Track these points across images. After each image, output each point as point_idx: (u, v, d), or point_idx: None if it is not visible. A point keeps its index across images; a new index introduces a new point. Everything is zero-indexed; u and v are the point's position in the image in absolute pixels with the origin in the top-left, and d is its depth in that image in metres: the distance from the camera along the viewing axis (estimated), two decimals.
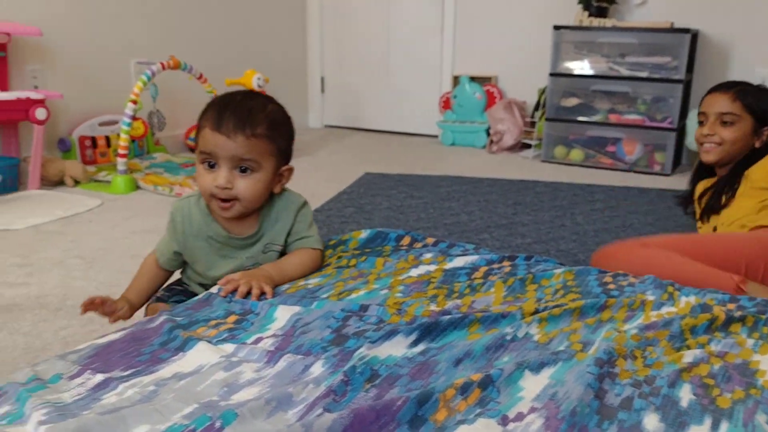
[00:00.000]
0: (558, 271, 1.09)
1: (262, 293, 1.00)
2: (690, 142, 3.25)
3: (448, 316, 0.89)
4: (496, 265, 1.14)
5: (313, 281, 1.08)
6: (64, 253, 2.15)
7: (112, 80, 3.43)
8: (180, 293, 1.37)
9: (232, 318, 0.94)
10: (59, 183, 3.01)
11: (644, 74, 3.32)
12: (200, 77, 3.31)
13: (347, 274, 1.10)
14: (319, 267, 1.17)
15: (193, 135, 3.75)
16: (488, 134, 4.03)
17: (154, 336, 0.87)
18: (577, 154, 3.56)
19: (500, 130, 3.88)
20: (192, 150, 3.81)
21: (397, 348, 0.83)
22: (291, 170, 1.23)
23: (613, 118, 3.45)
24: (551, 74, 3.55)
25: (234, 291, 1.01)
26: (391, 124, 4.57)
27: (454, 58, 4.25)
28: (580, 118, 3.54)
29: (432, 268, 1.12)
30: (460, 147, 4.09)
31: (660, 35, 3.29)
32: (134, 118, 2.97)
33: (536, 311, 0.94)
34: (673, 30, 3.25)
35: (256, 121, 1.20)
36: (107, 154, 3.35)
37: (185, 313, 0.96)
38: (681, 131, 3.38)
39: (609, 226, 2.45)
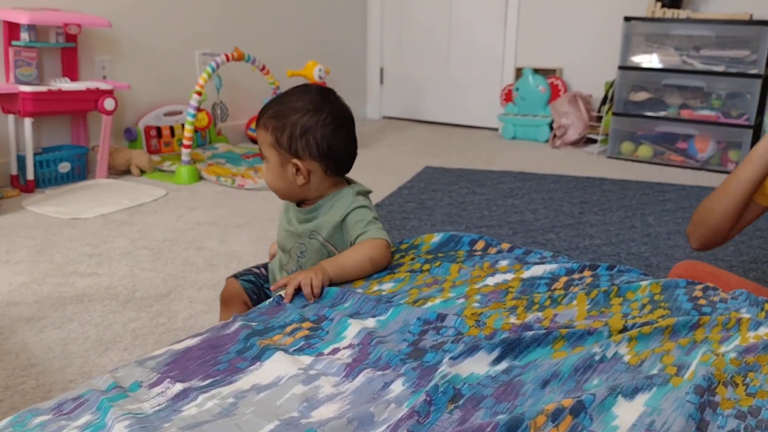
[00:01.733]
0: (644, 283, 1.03)
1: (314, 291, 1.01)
2: None
3: (531, 332, 0.85)
4: (576, 275, 1.09)
5: (387, 286, 1.05)
6: (131, 244, 2.18)
7: (177, 71, 3.47)
8: (252, 273, 1.37)
9: (307, 324, 0.92)
10: (125, 172, 3.07)
11: (720, 68, 3.18)
12: (263, 69, 3.32)
13: (421, 280, 1.07)
14: (386, 259, 1.12)
15: (253, 126, 3.77)
16: (551, 128, 3.94)
17: (230, 343, 0.86)
18: (645, 150, 3.44)
19: (564, 124, 3.78)
20: (253, 141, 3.83)
21: (479, 365, 0.80)
22: (297, 166, 1.19)
23: (685, 113, 3.32)
24: (620, 67, 3.43)
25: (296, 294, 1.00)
26: (450, 117, 4.51)
27: (516, 50, 4.16)
28: (650, 114, 3.41)
29: (509, 276, 1.08)
30: (521, 141, 4.01)
31: (738, 27, 3.14)
32: (198, 109, 2.99)
33: (624, 328, 0.89)
34: (752, 22, 3.10)
35: (264, 112, 1.23)
36: (171, 144, 3.40)
37: (260, 319, 0.94)
38: (757, 129, 3.23)
39: (681, 228, 2.35)
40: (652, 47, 3.38)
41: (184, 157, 2.96)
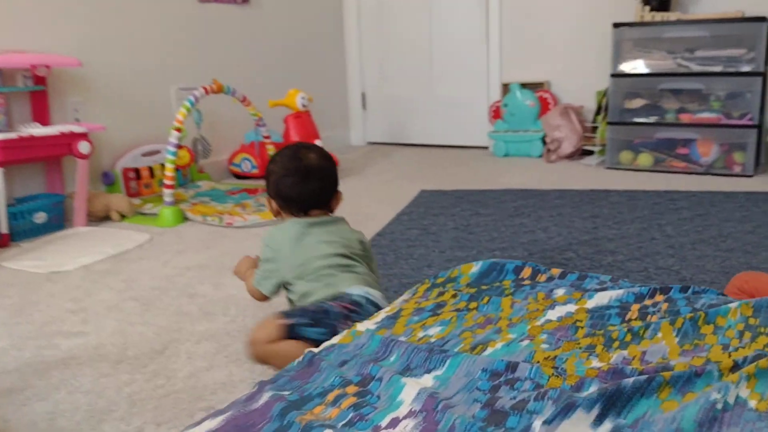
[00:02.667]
0: (732, 305, 0.89)
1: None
2: None
3: (630, 380, 0.70)
4: (648, 301, 0.94)
5: (434, 331, 0.90)
6: (118, 295, 2.00)
7: (153, 108, 3.31)
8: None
9: (352, 389, 0.76)
10: (105, 218, 2.89)
11: (717, 68, 3.09)
12: (243, 100, 3.17)
13: (471, 321, 0.92)
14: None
15: (237, 161, 3.61)
16: (544, 143, 3.82)
17: (262, 421, 0.69)
18: (645, 158, 3.34)
19: (558, 138, 3.67)
20: (236, 176, 3.66)
21: (579, 428, 0.65)
22: (270, 202, 1.61)
23: (684, 118, 3.22)
24: (612, 75, 3.34)
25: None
26: (437, 138, 4.39)
27: (501, 65, 4.06)
28: (647, 120, 3.31)
29: (571, 308, 0.93)
30: (514, 158, 3.89)
31: (732, 26, 3.07)
32: (179, 146, 2.83)
33: (736, 365, 0.74)
34: (746, 19, 3.03)
35: None
36: (151, 185, 3.22)
37: (292, 386, 0.78)
38: (761, 128, 3.13)
39: (704, 236, 2.23)
40: (643, 52, 3.29)
41: (167, 198, 2.79)
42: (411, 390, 0.73)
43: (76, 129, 2.70)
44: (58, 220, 2.76)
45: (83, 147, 2.71)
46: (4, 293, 2.05)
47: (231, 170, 3.67)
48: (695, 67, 3.14)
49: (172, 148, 2.76)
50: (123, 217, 2.89)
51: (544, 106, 3.86)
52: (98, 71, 3.03)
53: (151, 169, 3.22)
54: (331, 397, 0.74)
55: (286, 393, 0.75)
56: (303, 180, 1.52)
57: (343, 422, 0.70)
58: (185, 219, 2.83)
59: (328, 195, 1.56)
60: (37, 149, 2.60)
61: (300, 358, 0.86)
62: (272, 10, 3.95)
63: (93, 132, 2.80)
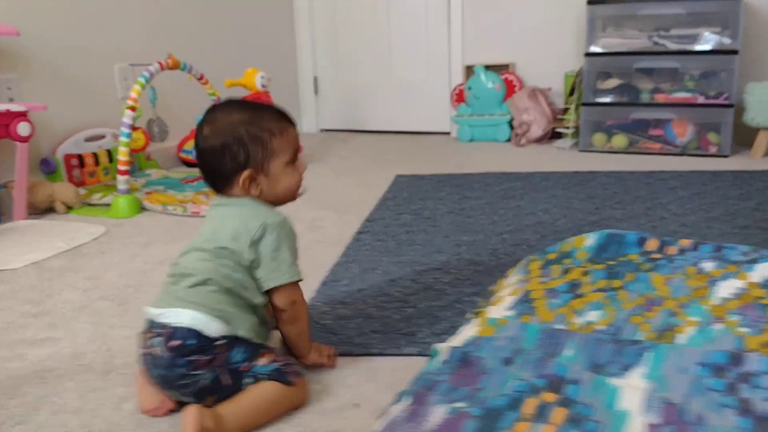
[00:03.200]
0: None
1: None
2: (751, 118, 2.98)
3: None
4: None
5: (594, 316, 0.72)
6: (84, 295, 1.71)
7: (96, 89, 2.97)
8: None
9: (549, 396, 0.56)
10: (48, 210, 2.55)
11: (693, 47, 3.04)
12: (201, 78, 2.88)
13: (630, 303, 0.74)
14: None
15: (188, 147, 3.30)
16: (511, 126, 3.70)
17: None
18: (619, 140, 3.26)
19: (526, 121, 3.56)
20: (187, 164, 3.36)
21: None
22: None
23: (659, 98, 3.16)
24: (586, 54, 3.25)
25: None
26: (396, 124, 4.20)
27: (464, 47, 3.91)
28: (622, 100, 3.23)
29: (738, 283, 0.77)
30: (480, 143, 3.75)
31: (708, 3, 3.03)
32: (133, 127, 2.52)
33: None
34: None
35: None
36: (96, 173, 2.89)
37: (461, 394, 0.58)
38: (736, 107, 3.10)
39: (713, 215, 2.14)
40: (617, 31, 3.21)
41: (121, 186, 2.48)
42: (632, 396, 0.55)
43: (14, 107, 2.35)
44: None
45: (23, 128, 2.37)
46: None
47: (181, 158, 3.36)
48: (672, 46, 3.08)
49: (126, 130, 2.45)
50: (69, 208, 2.55)
51: (509, 89, 3.73)
52: (34, 45, 2.68)
53: (95, 156, 2.88)
54: (529, 409, 0.55)
55: (464, 406, 0.55)
56: (199, 153, 1.22)
57: None
58: (142, 209, 2.53)
59: (225, 174, 1.19)
60: None
61: (446, 356, 0.65)
62: None
63: (33, 112, 2.46)
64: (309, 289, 1.64)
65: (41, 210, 2.52)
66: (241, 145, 1.18)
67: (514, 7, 3.75)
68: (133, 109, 2.47)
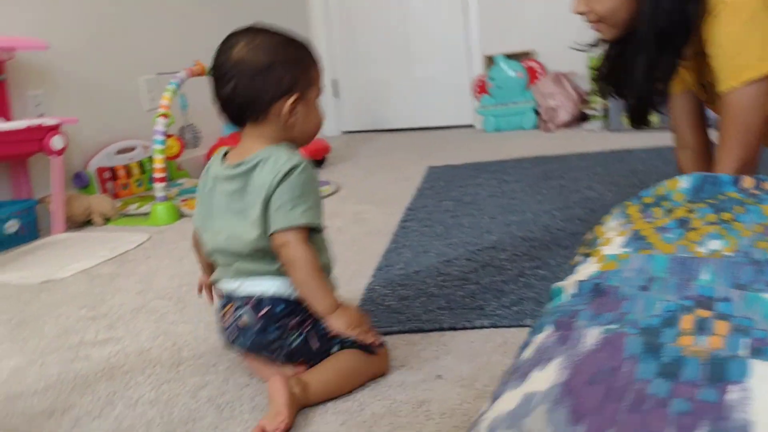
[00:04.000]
0: None
1: None
2: None
3: None
4: None
5: (716, 245, 0.68)
6: (139, 297, 1.69)
7: (122, 101, 2.97)
8: None
9: (703, 313, 0.53)
10: (85, 223, 2.54)
11: None
12: None
13: (748, 232, 0.71)
14: None
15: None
16: (536, 113, 3.67)
17: (621, 361, 0.46)
18: (651, 117, 3.20)
19: (552, 106, 3.52)
20: None
21: None
22: None
23: None
24: None
25: None
26: (417, 121, 4.17)
27: (482, 37, 3.89)
28: None
29: None
30: (506, 132, 3.72)
31: None
32: (167, 135, 2.51)
33: None
34: None
35: None
36: (129, 185, 2.88)
37: (606, 318, 0.55)
38: None
39: None
40: None
41: (159, 193, 2.47)
42: None
43: (47, 122, 2.35)
44: (31, 229, 2.40)
45: (56, 142, 2.37)
46: None
47: None
48: None
49: (160, 137, 2.45)
50: (107, 220, 2.55)
51: (532, 76, 3.70)
52: (61, 60, 2.68)
53: (127, 168, 2.87)
54: (687, 324, 0.52)
55: (617, 327, 0.52)
56: (219, 81, 1.10)
57: (746, 350, 0.47)
58: (180, 215, 2.52)
59: (260, 102, 1.07)
60: (3, 146, 2.24)
61: (574, 290, 0.62)
62: None
63: (65, 126, 2.45)
64: (365, 275, 1.61)
65: (79, 223, 2.51)
66: (289, 66, 1.08)
67: None
68: (165, 116, 2.46)
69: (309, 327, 1.10)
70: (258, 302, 1.09)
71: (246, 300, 1.11)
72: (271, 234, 1.06)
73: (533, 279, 1.47)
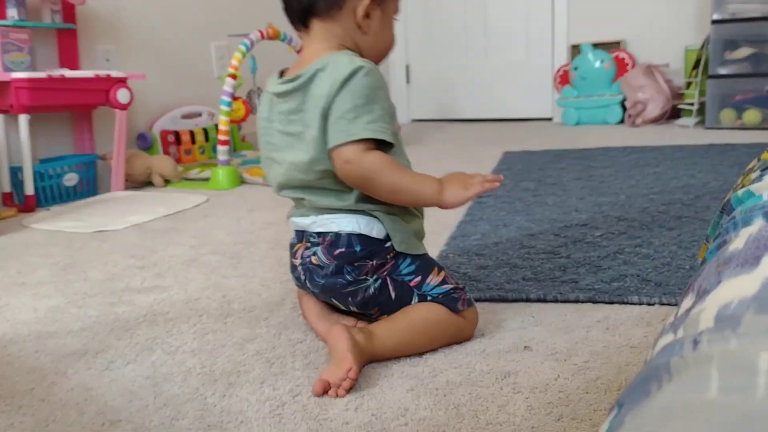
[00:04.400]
0: None
1: None
2: None
3: None
4: None
5: None
6: (192, 251, 1.57)
7: (193, 66, 2.89)
8: None
9: None
10: (145, 183, 2.46)
11: None
12: (299, 51, 2.74)
13: None
14: None
15: None
16: (623, 108, 3.43)
17: None
18: (752, 115, 2.94)
19: (641, 100, 3.28)
20: None
21: None
22: None
23: None
24: (714, 21, 2.95)
25: None
26: (491, 111, 3.98)
27: (569, 26, 3.67)
28: (755, 72, 2.92)
29: None
30: (588, 126, 3.48)
31: None
32: (234, 97, 2.41)
33: None
34: None
35: None
36: (192, 151, 2.79)
37: None
38: None
39: None
40: None
41: (222, 156, 2.36)
42: None
43: (115, 73, 2.27)
44: (90, 184, 2.33)
45: (122, 95, 2.29)
46: (43, 253, 1.62)
47: None
48: None
49: (227, 98, 2.34)
50: (167, 182, 2.46)
51: (620, 68, 3.47)
52: (135, 16, 2.62)
53: (192, 134, 2.79)
54: None
55: None
56: None
57: None
58: (242, 182, 2.41)
59: None
60: (69, 95, 2.17)
61: None
62: None
63: (132, 80, 2.38)
64: (438, 243, 1.44)
65: (139, 182, 2.43)
66: None
67: None
68: (234, 77, 2.36)
69: (388, 271, 0.95)
70: (333, 241, 0.94)
71: (320, 237, 0.96)
72: (330, 150, 0.89)
73: (635, 257, 1.27)
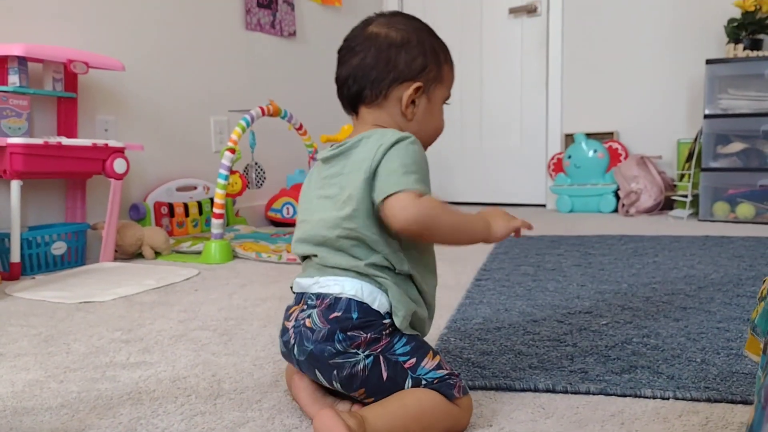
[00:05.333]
0: None
1: None
2: None
3: None
4: None
5: None
6: (181, 326, 1.50)
7: (190, 139, 2.90)
8: None
9: None
10: (135, 255, 2.40)
11: None
12: (300, 128, 2.77)
13: None
14: None
15: (277, 206, 3.17)
16: (617, 196, 3.45)
17: None
18: (746, 209, 2.96)
19: (635, 190, 3.30)
20: (275, 223, 3.22)
21: None
22: None
23: None
24: (706, 116, 3.01)
25: None
26: (486, 196, 4.00)
27: (563, 115, 3.74)
28: (747, 166, 2.96)
29: None
30: (582, 214, 3.49)
31: None
32: (231, 171, 2.39)
33: None
34: None
35: None
36: (185, 224, 2.76)
37: None
38: None
39: None
40: (740, 91, 2.98)
41: (215, 230, 2.32)
42: None
43: (112, 142, 2.26)
44: (79, 254, 2.27)
45: (119, 165, 2.27)
46: (24, 323, 1.55)
47: (269, 217, 3.22)
48: None
49: (224, 172, 2.32)
50: (157, 254, 2.41)
51: (613, 158, 3.51)
52: (134, 89, 2.63)
53: (185, 206, 2.76)
54: None
55: None
56: (348, 53, 1.00)
57: None
58: (234, 256, 2.36)
59: (382, 79, 0.96)
60: (65, 162, 2.15)
61: None
62: (317, 47, 3.63)
63: (129, 151, 2.36)
64: (437, 325, 1.39)
65: (129, 254, 2.38)
66: (422, 51, 0.98)
67: (617, 73, 3.58)
68: (233, 151, 2.35)
69: (382, 348, 0.90)
70: (331, 304, 0.90)
71: (318, 300, 0.92)
72: (384, 200, 0.87)
73: (644, 348, 1.23)
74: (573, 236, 2.63)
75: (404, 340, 0.91)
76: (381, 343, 0.90)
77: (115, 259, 2.31)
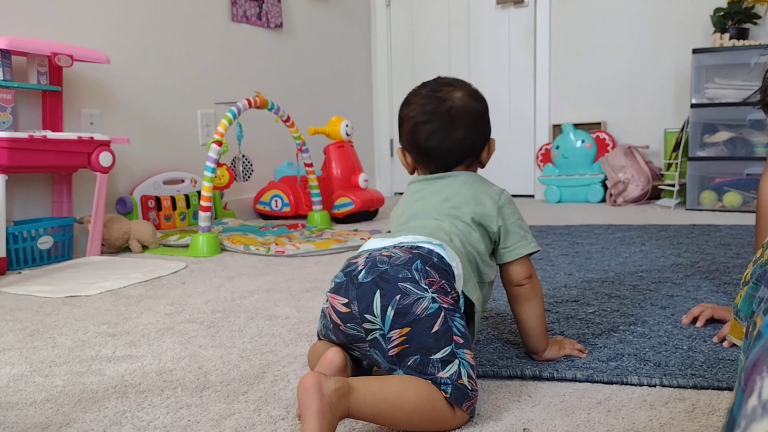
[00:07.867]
0: None
1: None
2: None
3: None
4: None
5: None
6: (167, 318, 1.50)
7: (177, 133, 2.88)
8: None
9: None
10: (122, 249, 2.39)
11: None
12: (287, 120, 2.76)
13: None
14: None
15: (265, 198, 3.16)
16: (604, 187, 3.46)
17: None
18: (733, 198, 2.97)
19: (622, 180, 3.31)
20: (263, 216, 3.21)
21: None
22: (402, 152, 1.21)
23: None
24: (693, 105, 3.02)
25: None
26: None
27: (551, 106, 3.74)
28: (734, 155, 2.97)
29: None
30: (570, 204, 3.50)
31: None
32: (218, 163, 2.38)
33: None
34: None
35: None
36: (173, 217, 2.74)
37: None
38: None
39: None
40: (726, 81, 2.99)
41: (203, 223, 2.31)
42: None
43: (98, 136, 2.24)
44: (65, 248, 2.26)
45: (104, 158, 2.25)
46: (9, 317, 1.54)
47: (257, 209, 3.20)
48: None
49: (211, 164, 2.31)
50: (144, 248, 2.39)
51: (601, 148, 3.52)
52: (120, 82, 2.61)
53: (173, 200, 2.75)
54: None
55: None
56: (446, 127, 1.10)
57: None
58: (222, 249, 2.35)
59: (478, 146, 1.13)
60: (50, 156, 2.13)
61: None
62: (304, 39, 3.62)
63: (115, 144, 2.34)
64: None
65: (116, 248, 2.37)
66: (487, 115, 1.15)
67: (604, 64, 3.59)
68: (219, 143, 2.34)
69: (447, 305, 0.91)
70: (413, 247, 0.97)
71: (404, 246, 0.98)
72: (515, 260, 1.07)
73: (630, 336, 1.23)
74: (561, 226, 2.64)
75: (463, 321, 0.93)
76: (448, 298, 0.92)
77: (102, 253, 2.30)
